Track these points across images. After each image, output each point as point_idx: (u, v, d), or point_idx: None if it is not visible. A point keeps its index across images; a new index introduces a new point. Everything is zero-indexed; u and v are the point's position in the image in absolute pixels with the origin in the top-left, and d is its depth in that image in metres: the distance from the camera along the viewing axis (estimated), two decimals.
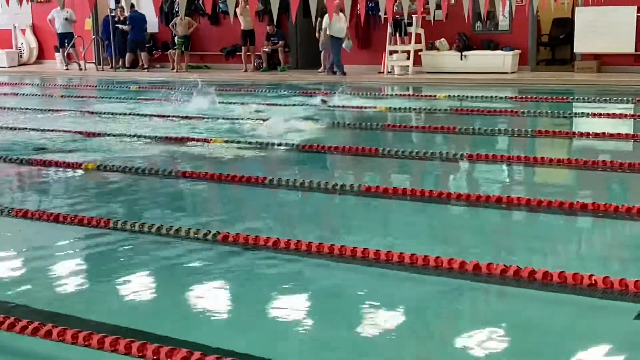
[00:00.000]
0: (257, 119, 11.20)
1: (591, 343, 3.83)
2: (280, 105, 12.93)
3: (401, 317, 4.24)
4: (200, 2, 19.60)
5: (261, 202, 6.92)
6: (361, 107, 12.47)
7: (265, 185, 7.21)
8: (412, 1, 10.58)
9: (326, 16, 16.76)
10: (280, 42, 19.28)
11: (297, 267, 5.05)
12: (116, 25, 20.45)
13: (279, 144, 9.13)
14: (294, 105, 12.87)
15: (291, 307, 4.41)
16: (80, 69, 20.89)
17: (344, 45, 17.65)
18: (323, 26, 17.29)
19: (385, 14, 7.43)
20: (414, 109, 12.22)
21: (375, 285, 4.73)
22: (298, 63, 19.79)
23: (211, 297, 4.61)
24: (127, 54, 20.56)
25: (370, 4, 16.28)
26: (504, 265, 4.57)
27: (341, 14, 16.51)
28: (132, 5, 19.75)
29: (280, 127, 10.01)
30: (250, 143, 9.33)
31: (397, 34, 17.74)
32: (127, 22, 20.19)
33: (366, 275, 4.86)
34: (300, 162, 8.59)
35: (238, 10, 18.31)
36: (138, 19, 20.14)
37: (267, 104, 12.97)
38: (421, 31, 17.60)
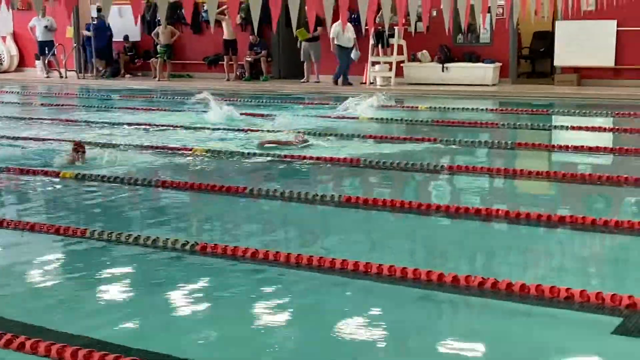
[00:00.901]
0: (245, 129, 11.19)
1: (568, 357, 3.84)
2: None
3: (380, 329, 4.23)
4: (183, 11, 19.57)
5: (241, 213, 6.89)
6: (342, 117, 12.47)
7: (245, 195, 7.19)
8: (393, 13, 10.60)
9: (334, 25, 16.74)
10: (262, 51, 19.29)
11: (276, 278, 5.03)
12: (83, 31, 20.53)
13: (260, 154, 9.12)
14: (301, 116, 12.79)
15: (270, 318, 4.39)
16: (61, 77, 20.78)
17: (352, 56, 17.62)
18: (331, 36, 17.30)
19: (366, 25, 7.44)
20: (396, 120, 12.24)
21: (354, 296, 4.71)
22: (280, 73, 19.80)
23: (189, 309, 4.57)
24: (99, 62, 20.60)
25: (353, 15, 16.30)
26: (482, 277, 4.57)
27: (349, 24, 16.54)
28: (99, 10, 19.78)
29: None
30: (231, 153, 9.31)
31: (379, 46, 17.80)
32: (90, 29, 20.21)
33: (345, 286, 4.84)
34: (281, 172, 8.56)
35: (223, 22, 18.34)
36: (99, 28, 20.14)
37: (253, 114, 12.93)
38: (403, 43, 17.66)
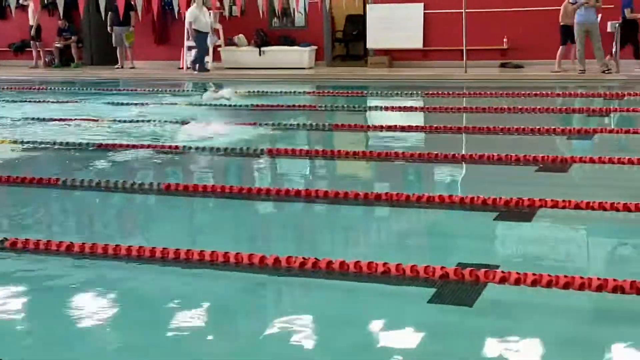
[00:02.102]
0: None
1: (388, 328, 3.96)
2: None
3: (206, 315, 4.19)
4: None
5: (55, 205, 6.60)
6: (161, 103, 12.24)
7: (59, 187, 6.88)
8: None
9: (190, 9, 16.19)
10: (72, 37, 18.54)
11: (95, 271, 4.84)
12: None
13: (74, 144, 8.78)
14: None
15: (91, 312, 4.22)
16: None
17: (209, 41, 17.05)
18: (187, 20, 16.67)
19: (179, 8, 7.33)
20: (215, 105, 12.15)
21: (177, 285, 4.63)
22: (92, 59, 19.12)
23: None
24: None
25: None
26: (303, 257, 4.63)
27: (204, 9, 16.07)
28: None
29: (200, 132, 9.36)
30: (42, 143, 8.89)
31: None
32: None
33: (168, 275, 4.75)
34: (99, 162, 8.26)
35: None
36: None
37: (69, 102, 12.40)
38: (219, 27, 17.56)
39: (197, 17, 16.54)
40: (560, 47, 15.08)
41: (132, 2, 14.93)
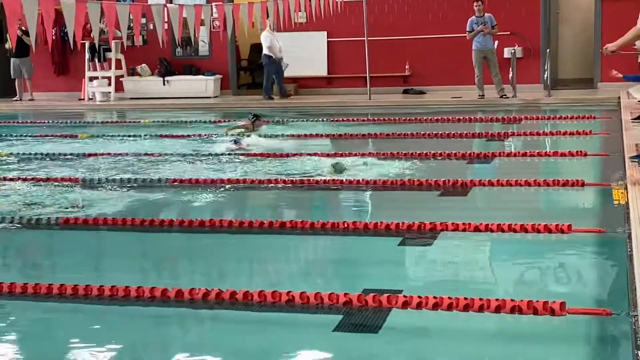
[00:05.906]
0: None
1: (293, 358, 3.94)
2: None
3: (113, 351, 4.08)
4: None
5: None
6: (66, 135, 11.97)
7: None
8: (104, 25, 10.38)
9: (264, 34, 15.71)
10: None
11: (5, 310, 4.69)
12: None
13: None
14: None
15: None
16: None
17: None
18: (264, 45, 16.04)
19: (75, 38, 7.18)
20: (117, 136, 11.95)
21: (88, 322, 4.50)
22: None
23: None
24: None
25: (65, 29, 15.72)
26: (206, 289, 4.57)
27: (276, 33, 15.58)
28: None
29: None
30: None
31: (96, 60, 17.29)
32: None
33: (78, 313, 4.61)
34: None
35: None
36: None
37: None
38: (121, 57, 17.32)
39: (272, 41, 15.96)
40: None
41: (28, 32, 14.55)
